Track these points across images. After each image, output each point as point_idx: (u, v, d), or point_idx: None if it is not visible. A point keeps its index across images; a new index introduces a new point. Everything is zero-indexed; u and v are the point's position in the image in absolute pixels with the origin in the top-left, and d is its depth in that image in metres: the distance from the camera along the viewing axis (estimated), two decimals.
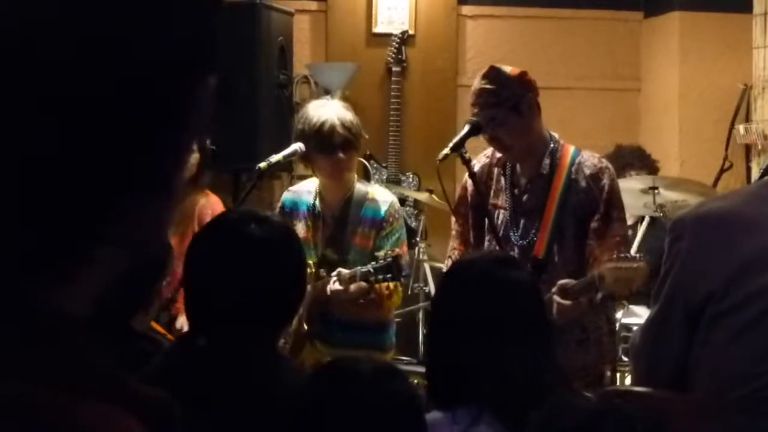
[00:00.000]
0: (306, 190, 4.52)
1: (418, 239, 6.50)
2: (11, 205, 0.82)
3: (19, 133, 0.80)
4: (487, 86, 4.07)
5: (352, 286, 4.15)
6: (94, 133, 0.81)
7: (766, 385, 2.19)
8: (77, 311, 0.84)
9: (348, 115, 4.32)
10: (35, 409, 0.78)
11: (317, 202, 4.44)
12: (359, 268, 4.17)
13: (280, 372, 2.53)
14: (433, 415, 2.40)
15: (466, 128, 4.06)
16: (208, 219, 4.29)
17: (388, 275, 4.12)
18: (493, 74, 4.09)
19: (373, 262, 4.17)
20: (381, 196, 4.44)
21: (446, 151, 4.03)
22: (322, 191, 4.45)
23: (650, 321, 2.46)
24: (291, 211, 4.51)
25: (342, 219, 4.37)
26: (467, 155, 4.09)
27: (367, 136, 4.57)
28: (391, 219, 4.34)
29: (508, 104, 4.04)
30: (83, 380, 0.81)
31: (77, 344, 0.83)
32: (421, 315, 6.30)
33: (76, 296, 0.85)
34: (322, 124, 4.27)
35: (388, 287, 4.19)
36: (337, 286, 4.18)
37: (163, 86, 0.83)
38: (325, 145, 4.27)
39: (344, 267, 4.26)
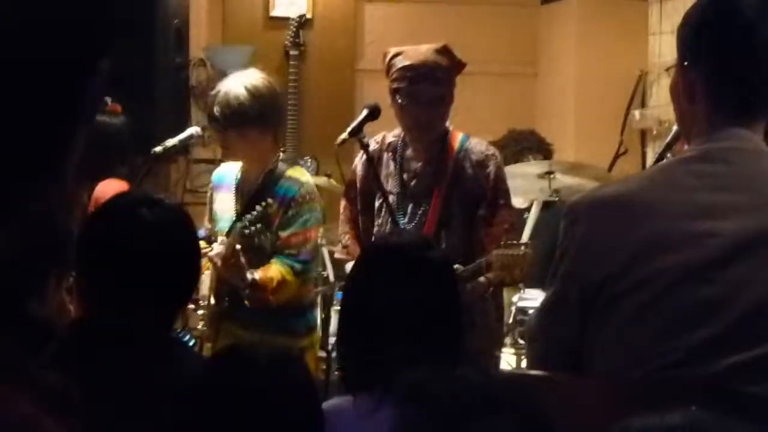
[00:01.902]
0: (234, 164, 4.46)
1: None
2: None
3: None
4: (444, 63, 4.07)
5: (218, 243, 4.07)
6: None
7: (663, 366, 2.21)
8: None
9: (242, 92, 4.18)
10: None
11: (239, 176, 4.38)
12: (237, 224, 4.13)
13: (174, 356, 2.50)
14: (334, 401, 2.38)
15: (365, 112, 4.05)
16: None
17: (260, 225, 4.10)
18: (448, 52, 4.11)
19: (248, 215, 4.13)
20: (298, 176, 4.38)
21: (344, 135, 4.01)
22: (244, 166, 4.39)
23: (546, 304, 2.46)
24: (218, 185, 4.48)
25: (257, 194, 4.30)
26: (366, 140, 4.08)
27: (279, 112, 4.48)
28: (300, 200, 4.26)
29: (452, 86, 4.08)
30: None
31: None
32: (318, 299, 6.27)
33: None
34: (227, 98, 4.18)
35: (272, 279, 4.12)
36: (217, 250, 4.10)
37: (56, 78, 0.80)
38: (226, 122, 4.19)
39: None
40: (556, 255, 2.43)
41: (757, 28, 2.31)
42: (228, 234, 4.21)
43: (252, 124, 4.16)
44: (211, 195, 4.47)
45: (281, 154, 6.77)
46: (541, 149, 6.39)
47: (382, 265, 2.64)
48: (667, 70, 6.49)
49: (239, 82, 4.20)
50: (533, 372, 2.41)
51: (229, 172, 4.45)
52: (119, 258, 2.50)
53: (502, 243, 3.88)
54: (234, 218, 4.30)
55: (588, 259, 2.32)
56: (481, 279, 3.94)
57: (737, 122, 2.32)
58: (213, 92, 4.29)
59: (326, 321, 6.17)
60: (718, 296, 2.20)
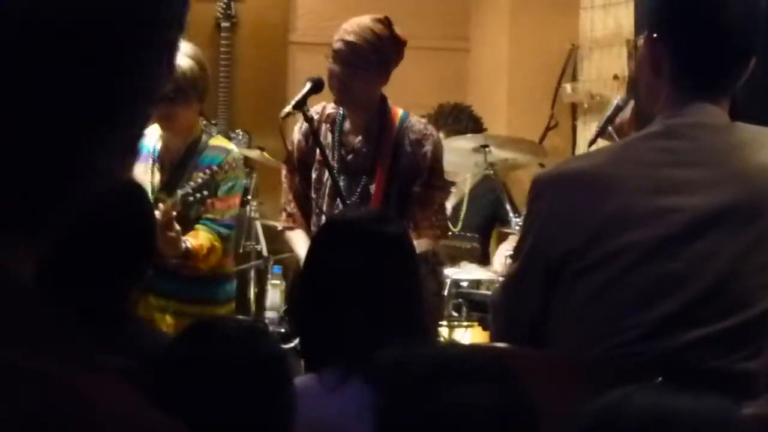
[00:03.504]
0: (152, 133, 4.39)
1: (249, 197, 6.42)
2: None
3: None
4: (373, 36, 4.05)
5: (158, 210, 4.02)
6: (53, 86, 0.75)
7: (627, 341, 2.23)
8: (25, 276, 0.78)
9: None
10: (39, 379, 0.71)
11: (158, 146, 4.32)
12: (179, 191, 4.09)
13: (132, 333, 2.47)
14: (300, 378, 2.37)
15: (308, 86, 4.03)
16: None
17: (205, 192, 4.06)
18: (384, 24, 4.09)
19: (191, 182, 4.09)
20: (223, 144, 4.34)
21: (288, 108, 3.99)
22: (164, 136, 4.32)
23: (510, 278, 2.47)
24: None
25: (180, 165, 4.25)
26: (309, 112, 4.06)
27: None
28: (226, 167, 4.21)
29: (383, 59, 4.06)
30: (63, 349, 0.75)
31: (39, 310, 0.77)
32: (252, 274, 6.25)
33: (22, 259, 0.79)
34: None
35: (203, 246, 4.10)
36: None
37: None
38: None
39: None
40: (521, 230, 2.44)
41: (726, 3, 2.32)
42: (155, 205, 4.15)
43: (177, 95, 4.11)
44: None
45: (209, 124, 6.76)
46: (473, 124, 6.42)
47: (342, 240, 2.63)
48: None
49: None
50: (497, 345, 2.42)
51: (145, 140, 4.38)
52: (72, 235, 2.46)
53: (450, 233, 3.90)
54: (154, 189, 4.24)
55: (552, 233, 2.33)
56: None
57: (703, 97, 2.34)
58: None
59: (261, 295, 6.16)
60: (682, 271, 2.23)
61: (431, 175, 4.15)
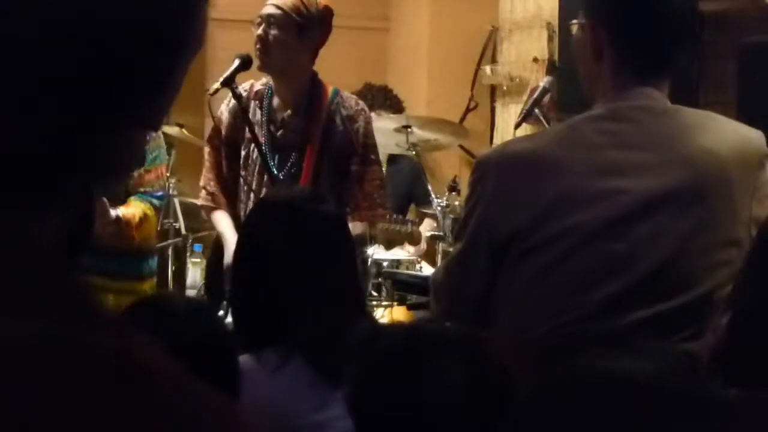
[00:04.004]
0: None
1: (168, 174, 6.34)
2: None
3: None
4: (293, 8, 4.04)
5: None
6: (81, 67, 0.75)
7: (571, 321, 2.25)
8: (46, 248, 0.77)
9: None
10: (89, 350, 0.70)
11: None
12: None
13: None
14: (242, 358, 2.35)
15: (237, 62, 4.00)
16: None
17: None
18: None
19: None
20: None
21: (216, 85, 3.95)
22: None
23: (454, 259, 2.48)
24: None
25: None
26: (238, 89, 4.04)
27: None
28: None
29: (306, 31, 4.05)
30: (101, 321, 0.74)
31: (68, 281, 0.76)
32: (171, 251, 6.19)
33: (45, 233, 0.77)
34: None
35: (135, 215, 4.05)
36: None
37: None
38: None
39: None
40: (464, 210, 2.45)
41: None
42: None
43: None
44: None
45: None
46: (394, 104, 6.44)
47: (276, 220, 2.61)
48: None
49: None
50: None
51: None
52: None
53: (388, 217, 3.91)
54: None
55: (497, 214, 2.35)
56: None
57: (643, 81, 2.37)
58: None
59: (180, 272, 6.12)
60: (626, 252, 2.26)
61: (366, 151, 4.15)
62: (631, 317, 2.24)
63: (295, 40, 4.06)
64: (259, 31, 4.05)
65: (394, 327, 2.01)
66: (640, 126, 2.34)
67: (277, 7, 4.05)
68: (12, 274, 0.72)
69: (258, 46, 4.06)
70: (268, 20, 4.05)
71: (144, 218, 4.06)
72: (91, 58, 0.75)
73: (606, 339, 2.20)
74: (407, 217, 5.23)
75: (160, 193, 4.17)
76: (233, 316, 2.67)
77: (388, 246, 3.91)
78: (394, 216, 3.95)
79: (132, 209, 4.04)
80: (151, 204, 4.11)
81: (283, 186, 3.91)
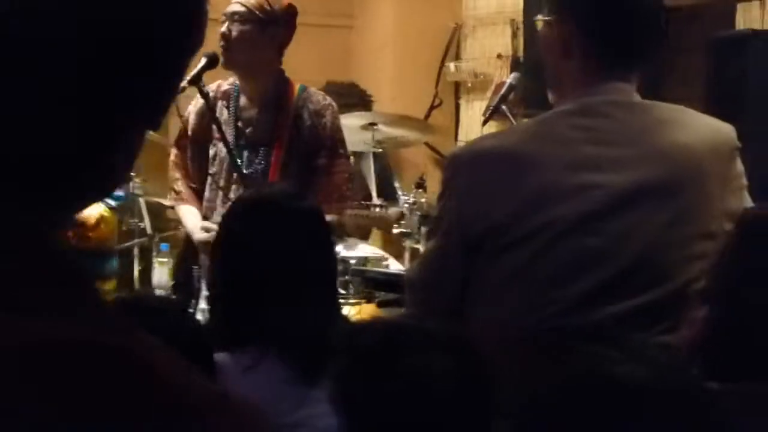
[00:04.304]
0: None
1: (133, 174, 6.31)
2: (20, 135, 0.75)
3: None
4: (257, 5, 4.04)
5: None
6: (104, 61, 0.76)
7: (548, 316, 2.26)
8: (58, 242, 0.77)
9: None
10: (120, 355, 0.70)
11: None
12: None
13: None
14: (218, 356, 2.34)
15: (203, 61, 3.98)
16: None
17: None
18: None
19: None
20: None
21: (184, 83, 3.94)
22: None
23: (427, 257, 2.48)
24: None
25: None
26: (205, 88, 4.03)
27: None
28: None
29: (270, 27, 4.05)
30: (112, 320, 0.74)
31: (79, 278, 0.76)
32: (136, 251, 6.15)
33: (55, 224, 0.78)
34: None
35: (90, 216, 4.04)
36: None
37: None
38: None
39: None
40: (437, 208, 2.45)
41: None
42: None
43: None
44: None
45: None
46: (362, 101, 6.44)
47: (255, 218, 2.60)
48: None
49: None
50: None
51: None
52: None
53: (356, 203, 3.91)
54: None
55: (471, 210, 2.34)
56: None
57: (613, 75, 2.38)
58: None
59: (147, 272, 6.07)
60: (602, 247, 2.27)
61: (333, 145, 4.17)
62: (608, 311, 2.25)
63: (259, 36, 4.08)
64: (223, 28, 4.06)
65: (375, 323, 2.01)
66: (612, 121, 2.35)
67: (242, 4, 4.07)
68: (38, 274, 0.73)
69: (222, 43, 4.07)
70: (232, 17, 4.07)
71: (100, 219, 4.05)
72: (102, 60, 0.76)
73: (583, 334, 2.21)
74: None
75: (117, 194, 4.16)
76: (211, 313, 2.66)
77: (357, 232, 3.90)
78: (363, 202, 3.95)
79: (87, 210, 4.02)
80: (107, 205, 4.10)
81: (262, 184, 3.90)
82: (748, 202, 2.42)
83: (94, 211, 4.03)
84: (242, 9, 4.06)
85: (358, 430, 1.78)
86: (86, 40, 0.75)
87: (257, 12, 4.06)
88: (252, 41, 4.06)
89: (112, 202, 4.10)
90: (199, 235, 4.02)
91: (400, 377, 1.77)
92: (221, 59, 4.03)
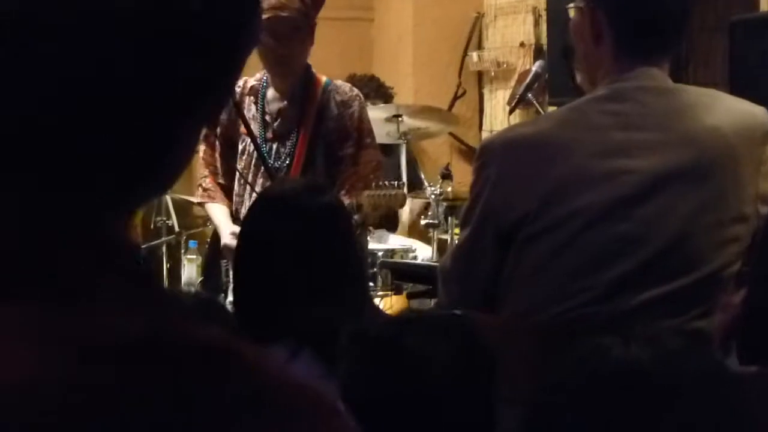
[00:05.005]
0: None
1: None
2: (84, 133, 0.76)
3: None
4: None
5: None
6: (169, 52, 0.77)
7: (580, 304, 2.25)
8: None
9: None
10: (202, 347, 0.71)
11: None
12: None
13: None
14: None
15: None
16: None
17: None
18: None
19: None
20: None
21: None
22: None
23: (461, 246, 2.47)
24: None
25: None
26: (238, 88, 4.05)
27: None
28: None
29: (309, 20, 4.04)
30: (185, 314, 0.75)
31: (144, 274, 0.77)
32: (164, 249, 6.18)
33: (114, 225, 0.79)
34: None
35: None
36: None
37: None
38: None
39: None
40: (470, 197, 2.45)
41: None
42: None
43: None
44: None
45: None
46: (382, 94, 6.43)
47: (278, 213, 2.60)
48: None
49: None
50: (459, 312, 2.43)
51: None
52: None
53: (372, 184, 3.91)
54: None
55: (503, 199, 2.34)
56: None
57: (644, 61, 2.37)
58: None
59: (176, 270, 6.09)
60: (634, 233, 2.26)
61: (361, 135, 4.15)
62: (640, 298, 2.24)
63: (306, 41, 4.06)
64: (269, 41, 3.96)
65: (380, 316, 2.02)
66: (643, 106, 2.34)
67: (284, 17, 3.93)
68: (109, 270, 0.74)
69: (272, 60, 4.01)
70: (278, 32, 3.94)
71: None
72: (161, 58, 0.76)
73: (615, 321, 2.21)
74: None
75: None
76: (236, 311, 2.66)
77: (374, 211, 3.89)
78: (379, 183, 3.95)
79: None
80: None
81: (283, 179, 3.90)
82: None
83: None
84: (288, 17, 3.97)
85: (361, 415, 1.78)
86: (144, 32, 0.75)
87: (301, 19, 4.01)
88: (301, 50, 4.06)
89: None
90: (227, 240, 4.01)
91: (399, 362, 1.79)
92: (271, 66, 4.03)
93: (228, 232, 4.00)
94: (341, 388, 1.90)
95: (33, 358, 0.68)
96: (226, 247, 3.95)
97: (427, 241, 5.37)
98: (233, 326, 2.18)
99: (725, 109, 2.37)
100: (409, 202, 6.15)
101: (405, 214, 6.02)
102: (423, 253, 5.13)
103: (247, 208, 3.98)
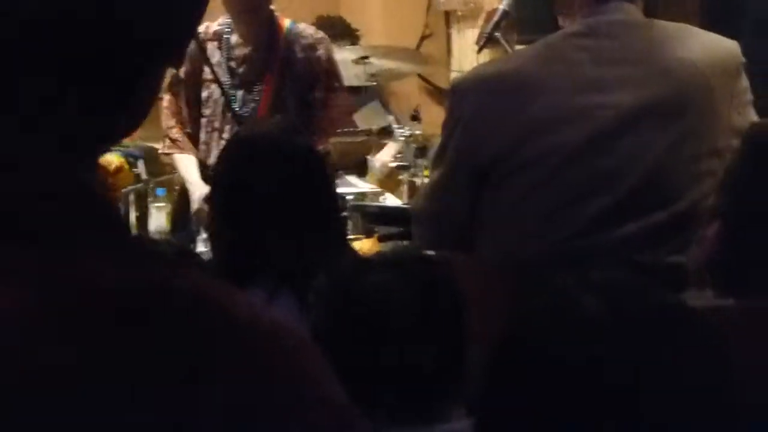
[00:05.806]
0: None
1: None
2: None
3: None
4: None
5: None
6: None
7: (560, 239, 2.25)
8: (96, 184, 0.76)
9: None
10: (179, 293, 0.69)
11: None
12: None
13: None
14: None
15: None
16: None
17: None
18: None
19: None
20: None
21: None
22: None
23: (434, 185, 2.46)
24: None
25: None
26: (200, 34, 3.99)
27: None
28: None
29: None
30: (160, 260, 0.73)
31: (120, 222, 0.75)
32: (132, 197, 6.12)
33: (90, 167, 0.77)
34: None
35: (110, 162, 4.03)
36: None
37: None
38: None
39: None
40: (443, 135, 2.43)
41: None
42: None
43: None
44: None
45: None
46: (349, 35, 6.38)
47: (253, 155, 2.57)
48: None
49: None
50: (429, 253, 2.41)
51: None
52: None
53: (339, 131, 3.89)
54: None
55: (478, 136, 2.32)
56: None
57: None
58: None
59: (144, 218, 6.05)
60: (612, 167, 2.25)
61: (329, 78, 4.13)
62: (620, 232, 2.24)
63: None
64: None
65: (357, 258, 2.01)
66: (617, 41, 2.32)
67: None
68: (86, 216, 0.73)
69: (244, 7, 3.99)
70: None
71: (119, 168, 4.04)
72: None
73: (595, 255, 2.20)
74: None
75: (134, 153, 4.15)
76: (213, 253, 2.64)
77: (343, 159, 3.89)
78: (347, 129, 3.94)
79: (107, 157, 4.01)
80: (126, 158, 4.09)
81: (254, 121, 3.87)
82: (754, 117, 2.39)
83: (112, 159, 4.01)
84: None
85: (327, 349, 1.78)
86: None
87: None
88: None
89: (131, 159, 4.09)
90: (199, 204, 3.98)
91: (365, 301, 1.78)
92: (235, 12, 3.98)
93: (198, 196, 3.98)
94: (311, 327, 1.90)
95: (12, 294, 0.67)
96: (200, 212, 3.93)
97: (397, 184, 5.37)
98: (207, 272, 2.16)
99: (699, 44, 2.36)
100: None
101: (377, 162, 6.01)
102: (392, 197, 5.12)
103: (215, 155, 3.94)
